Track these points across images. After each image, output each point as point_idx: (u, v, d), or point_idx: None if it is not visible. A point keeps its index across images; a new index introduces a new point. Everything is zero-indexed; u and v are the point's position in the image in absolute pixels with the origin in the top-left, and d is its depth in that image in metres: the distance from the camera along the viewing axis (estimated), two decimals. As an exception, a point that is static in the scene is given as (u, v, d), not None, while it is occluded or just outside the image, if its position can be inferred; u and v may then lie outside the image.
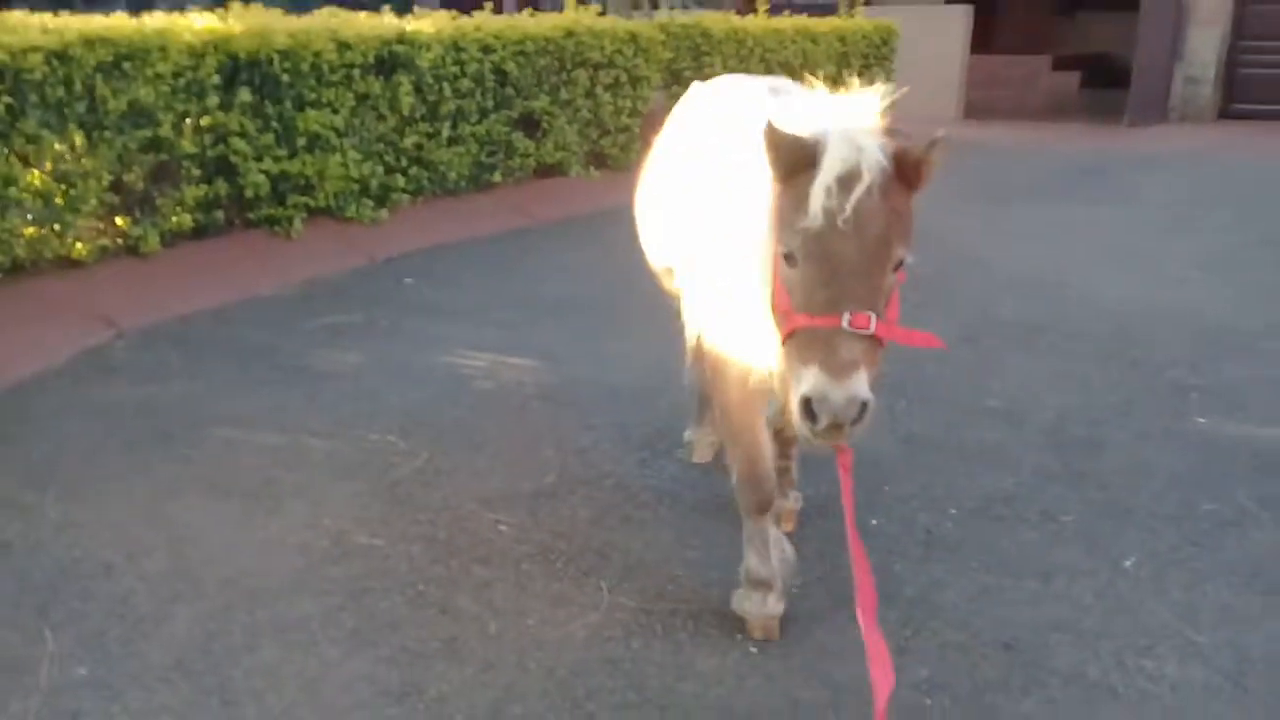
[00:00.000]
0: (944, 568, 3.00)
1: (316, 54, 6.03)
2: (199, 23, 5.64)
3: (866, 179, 1.88)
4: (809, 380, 1.90)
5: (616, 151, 8.72)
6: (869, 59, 11.64)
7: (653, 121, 9.04)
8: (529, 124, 7.88)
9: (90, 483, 3.48)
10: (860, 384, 1.88)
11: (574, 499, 3.40)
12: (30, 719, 2.34)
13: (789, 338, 2.00)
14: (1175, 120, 12.49)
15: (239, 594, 2.83)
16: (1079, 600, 2.85)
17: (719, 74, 9.41)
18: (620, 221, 7.60)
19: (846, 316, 1.88)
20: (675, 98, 9.29)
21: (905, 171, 1.95)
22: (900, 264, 1.98)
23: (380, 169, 6.70)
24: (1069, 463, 3.69)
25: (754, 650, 2.63)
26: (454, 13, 7.46)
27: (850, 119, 1.99)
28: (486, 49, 7.28)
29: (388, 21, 6.70)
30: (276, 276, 5.78)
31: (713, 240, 2.50)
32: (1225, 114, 12.53)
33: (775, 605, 2.68)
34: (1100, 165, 10.29)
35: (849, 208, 1.88)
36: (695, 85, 3.30)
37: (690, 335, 2.94)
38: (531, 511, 3.31)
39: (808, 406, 1.90)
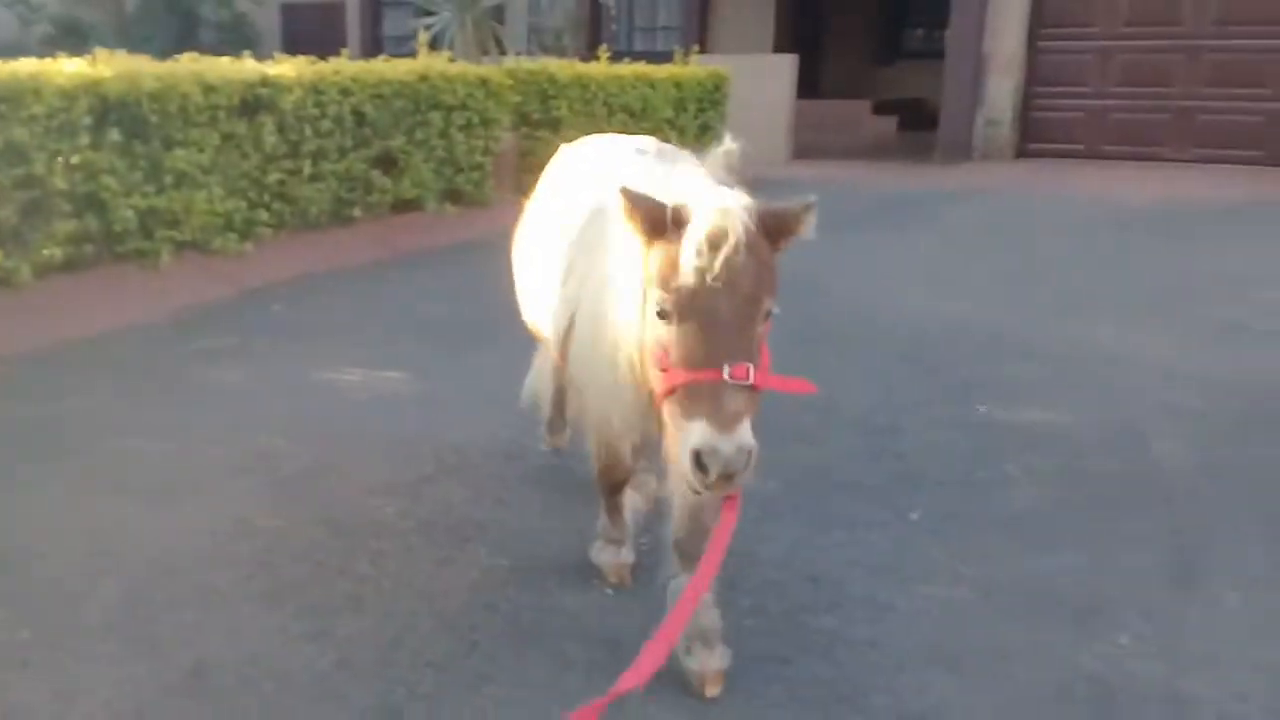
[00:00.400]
0: (770, 526, 3.58)
1: (184, 96, 6.34)
2: (70, 67, 5.90)
3: (734, 238, 1.97)
4: (697, 434, 1.95)
5: (471, 188, 9.21)
6: (703, 104, 12.46)
7: (504, 160, 9.63)
8: (387, 162, 8.30)
9: (3, 490, 3.76)
10: (746, 434, 1.96)
11: (451, 485, 3.87)
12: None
13: (670, 394, 2.05)
14: (979, 159, 13.73)
15: (157, 569, 3.20)
16: (874, 545, 3.48)
17: (565, 116, 10.10)
18: (475, 252, 8.21)
19: (727, 369, 1.96)
20: (525, 138, 9.93)
21: (769, 229, 2.08)
22: (768, 315, 2.08)
23: (244, 204, 7.02)
24: (872, 443, 4.37)
25: (610, 593, 3.15)
26: (312, 58, 7.84)
27: (712, 180, 2.15)
28: (345, 92, 7.69)
29: (250, 66, 7.06)
30: (147, 306, 6.06)
31: (585, 300, 2.60)
32: (1022, 153, 13.84)
33: (627, 555, 3.14)
34: (913, 199, 11.30)
35: (719, 265, 1.96)
36: (563, 148, 3.48)
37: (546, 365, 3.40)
38: (414, 496, 3.77)
39: (698, 460, 1.95)
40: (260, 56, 7.48)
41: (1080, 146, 13.45)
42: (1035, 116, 13.80)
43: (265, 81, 6.97)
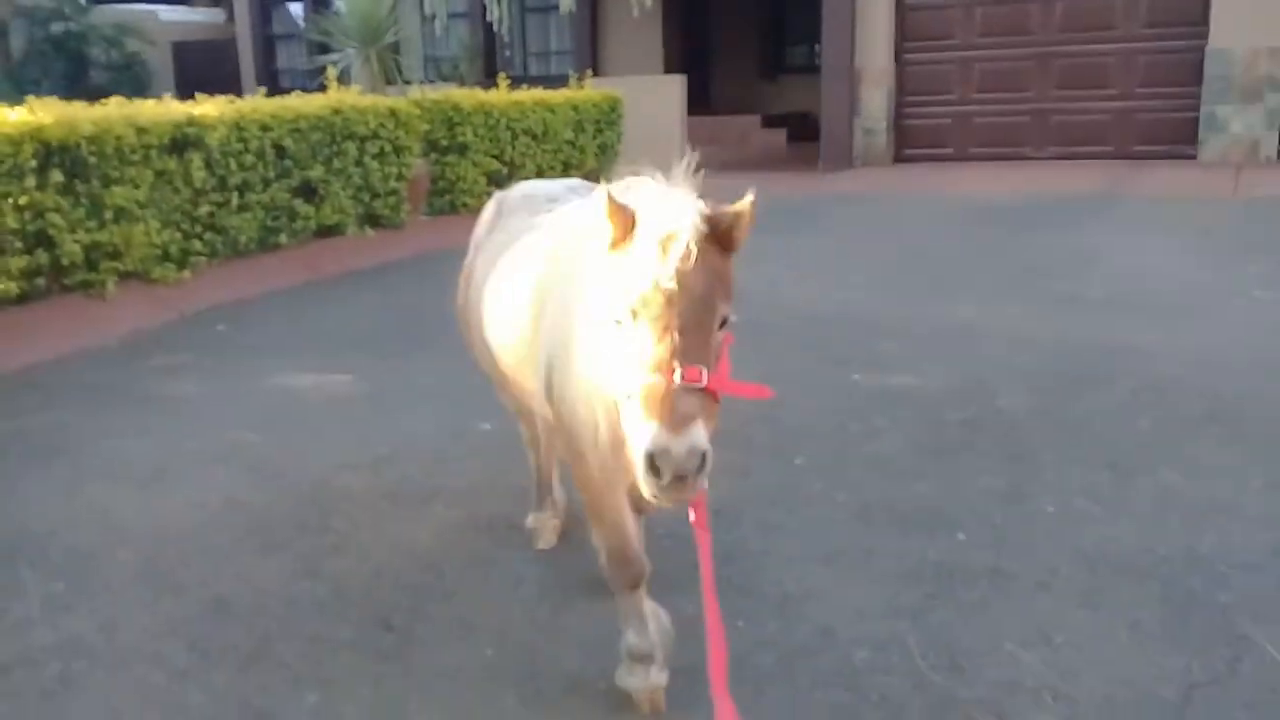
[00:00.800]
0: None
1: (118, 138, 6.83)
2: (13, 116, 6.36)
3: (684, 241, 1.99)
4: (649, 436, 1.94)
5: (387, 212, 9.78)
6: (600, 124, 13.19)
7: (416, 185, 10.20)
8: (307, 191, 8.83)
9: (8, 485, 4.27)
10: (699, 436, 1.93)
11: (406, 462, 4.49)
12: (35, 613, 3.23)
13: (627, 399, 2.05)
14: (859, 165, 14.71)
15: (163, 537, 3.77)
16: (766, 484, 4.19)
17: (471, 141, 10.70)
18: (396, 272, 8.83)
19: (679, 372, 1.95)
20: (434, 164, 10.51)
21: (720, 234, 2.07)
22: (725, 322, 2.08)
23: (179, 235, 7.51)
24: (761, 410, 5.07)
25: (541, 550, 3.76)
26: (232, 97, 8.36)
27: (665, 188, 2.15)
28: (265, 127, 8.22)
29: (177, 107, 7.56)
30: (99, 332, 6.53)
31: (548, 330, 2.59)
32: (898, 158, 14.87)
33: (658, 676, 2.73)
34: (802, 204, 12.17)
35: (671, 269, 1.98)
36: (496, 194, 3.54)
37: (527, 425, 3.43)
38: (375, 472, 4.38)
39: (651, 462, 1.94)
40: (152, 96, 7.95)
41: (950, 150, 14.55)
42: (908, 124, 14.86)
43: (192, 121, 7.48)
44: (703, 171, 2.17)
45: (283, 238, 8.59)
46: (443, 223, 10.61)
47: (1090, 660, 2.86)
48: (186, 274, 7.53)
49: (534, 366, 2.70)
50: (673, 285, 1.98)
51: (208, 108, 7.75)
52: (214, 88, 8.85)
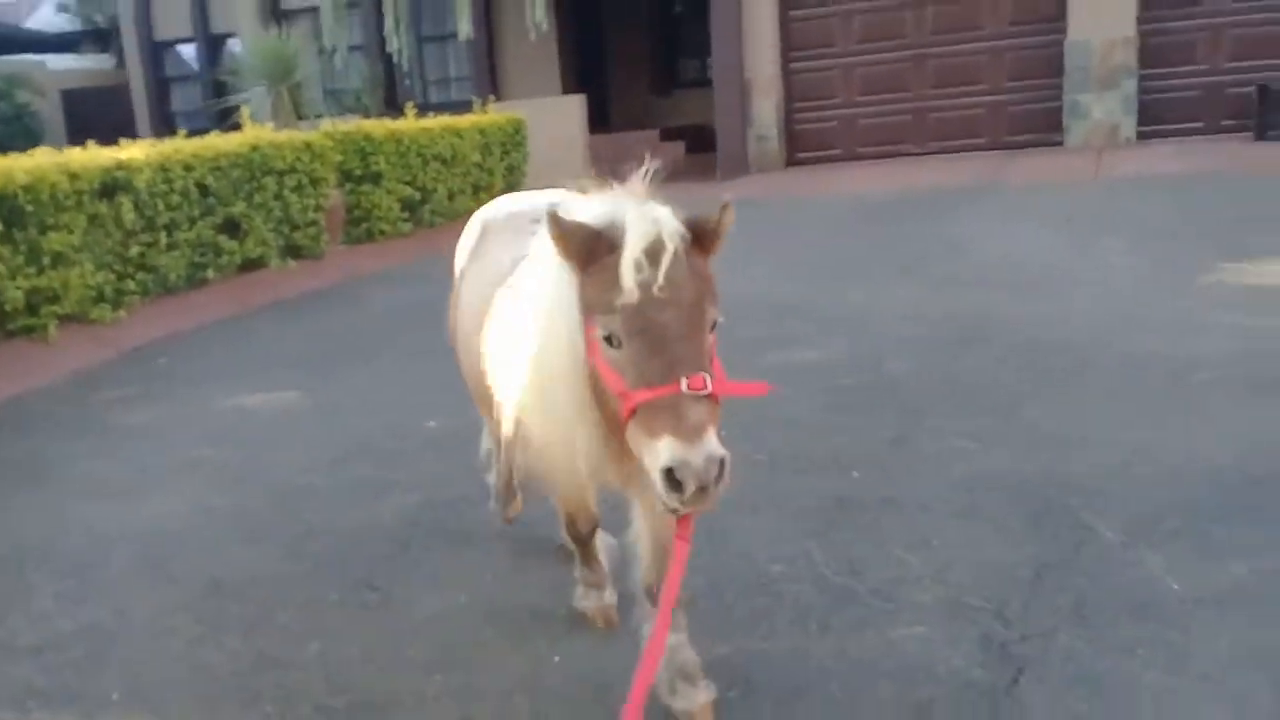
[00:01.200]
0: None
1: (53, 185, 7.14)
2: (-52, 168, 6.66)
3: (671, 247, 1.98)
4: (666, 451, 1.90)
5: (308, 243, 10.16)
6: (506, 147, 13.69)
7: (333, 215, 10.58)
8: (231, 227, 9.18)
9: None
10: (714, 443, 1.92)
11: (361, 462, 4.93)
12: (51, 606, 3.62)
13: (631, 416, 1.99)
14: (755, 171, 15.44)
15: (152, 538, 4.18)
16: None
17: (384, 170, 11.12)
18: (320, 298, 9.24)
19: (684, 381, 1.92)
20: (350, 193, 10.90)
21: (700, 238, 2.09)
22: (714, 325, 2.09)
23: (113, 276, 7.83)
24: (681, 390, 5.66)
25: (493, 507, 4.28)
26: (153, 140, 8.69)
27: (638, 199, 2.12)
28: (188, 167, 8.57)
29: (105, 152, 7.88)
30: (46, 372, 6.83)
31: (525, 350, 2.49)
32: (791, 162, 15.65)
33: (610, 597, 3.12)
34: (703, 210, 12.82)
35: (661, 277, 1.96)
36: (479, 214, 3.53)
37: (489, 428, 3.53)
38: (333, 473, 4.82)
39: (670, 476, 1.90)
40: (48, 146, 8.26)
41: (838, 151, 15.38)
42: (797, 129, 15.66)
43: (120, 165, 7.81)
44: (659, 179, 2.21)
45: (210, 273, 8.93)
46: (361, 251, 11.02)
47: (962, 556, 3.46)
48: (122, 313, 7.85)
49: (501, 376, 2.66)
50: (666, 295, 1.96)
51: (134, 151, 8.08)
52: (107, 134, 9.13)
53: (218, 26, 22.75)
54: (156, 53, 24.10)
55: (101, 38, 26.79)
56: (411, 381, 6.17)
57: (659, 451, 1.92)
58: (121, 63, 24.31)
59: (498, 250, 3.02)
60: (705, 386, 1.94)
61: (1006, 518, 3.74)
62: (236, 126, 10.21)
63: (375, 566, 3.79)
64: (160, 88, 24.27)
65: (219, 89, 23.57)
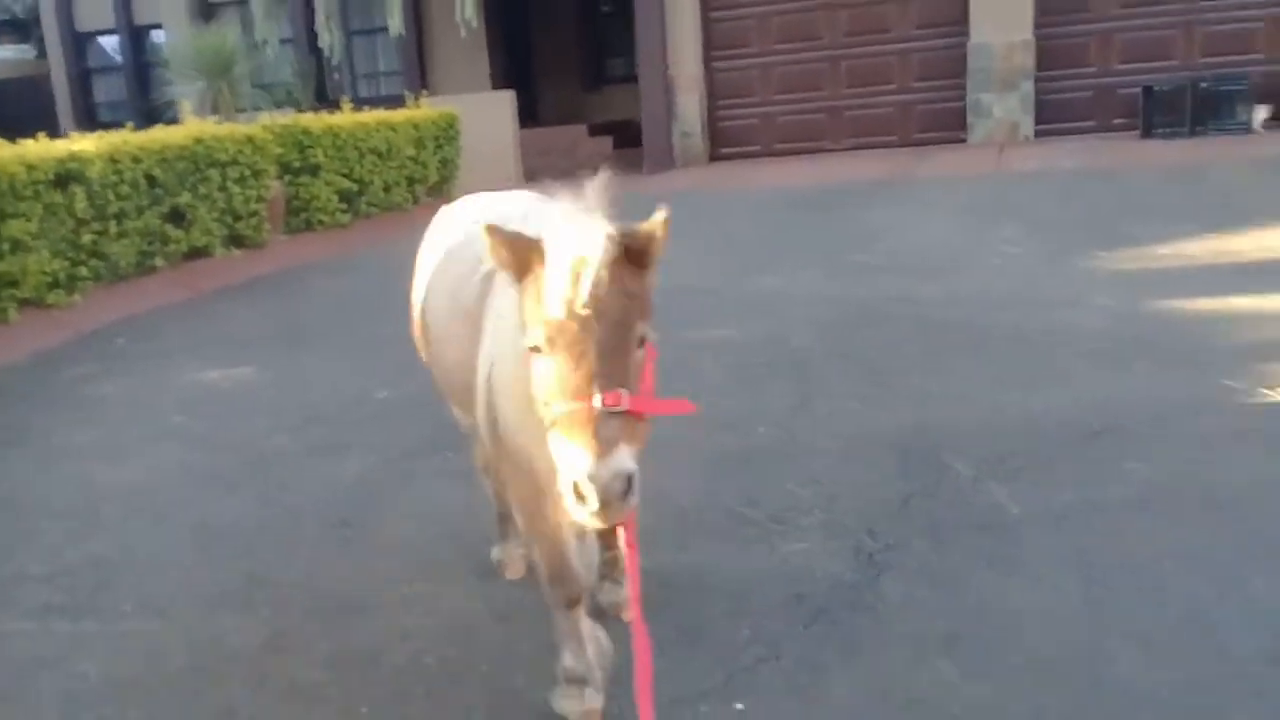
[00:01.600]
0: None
1: (11, 175, 7.52)
2: (-88, 159, 7.01)
3: (596, 265, 1.98)
4: (573, 463, 1.95)
5: (250, 232, 10.59)
6: (440, 141, 14.17)
7: (274, 205, 10.99)
8: (177, 216, 9.58)
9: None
10: (623, 459, 1.95)
11: (318, 428, 5.47)
12: (60, 540, 4.12)
13: (552, 427, 2.03)
14: (680, 166, 16.13)
15: (139, 491, 4.70)
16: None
17: (322, 162, 11.55)
18: (263, 284, 9.68)
19: (599, 397, 1.95)
20: (289, 184, 11.31)
21: (634, 253, 2.06)
22: (644, 340, 2.09)
23: (67, 263, 8.21)
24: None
25: (450, 455, 4.84)
26: (100, 132, 9.05)
27: (574, 211, 2.10)
28: (136, 159, 8.96)
29: (59, 145, 8.25)
30: (9, 352, 7.23)
31: (485, 350, 2.57)
32: (714, 157, 16.37)
33: (594, 699, 2.71)
34: (629, 202, 13.43)
35: (583, 295, 1.97)
36: (442, 209, 3.45)
37: (481, 451, 3.29)
38: (296, 436, 5.35)
39: (577, 489, 1.96)
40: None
41: (758, 147, 16.13)
42: (720, 125, 16.37)
43: (73, 156, 8.18)
44: (613, 187, 2.21)
45: (158, 261, 9.32)
46: (301, 240, 11.46)
47: (843, 491, 4.14)
48: (77, 298, 8.24)
49: (475, 391, 2.66)
50: (587, 312, 1.98)
51: (86, 144, 8.46)
52: (28, 125, 9.45)
53: (142, 18, 22.77)
54: (78, 44, 24.03)
55: (21, 28, 26.57)
56: (359, 359, 6.71)
57: (568, 464, 1.98)
58: (43, 54, 24.17)
59: (464, 253, 2.87)
60: (620, 403, 1.97)
61: (882, 461, 4.42)
62: (167, 120, 10.57)
63: (347, 509, 4.35)
64: (82, 79, 24.21)
65: (144, 81, 23.67)
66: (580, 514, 1.99)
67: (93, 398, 6.25)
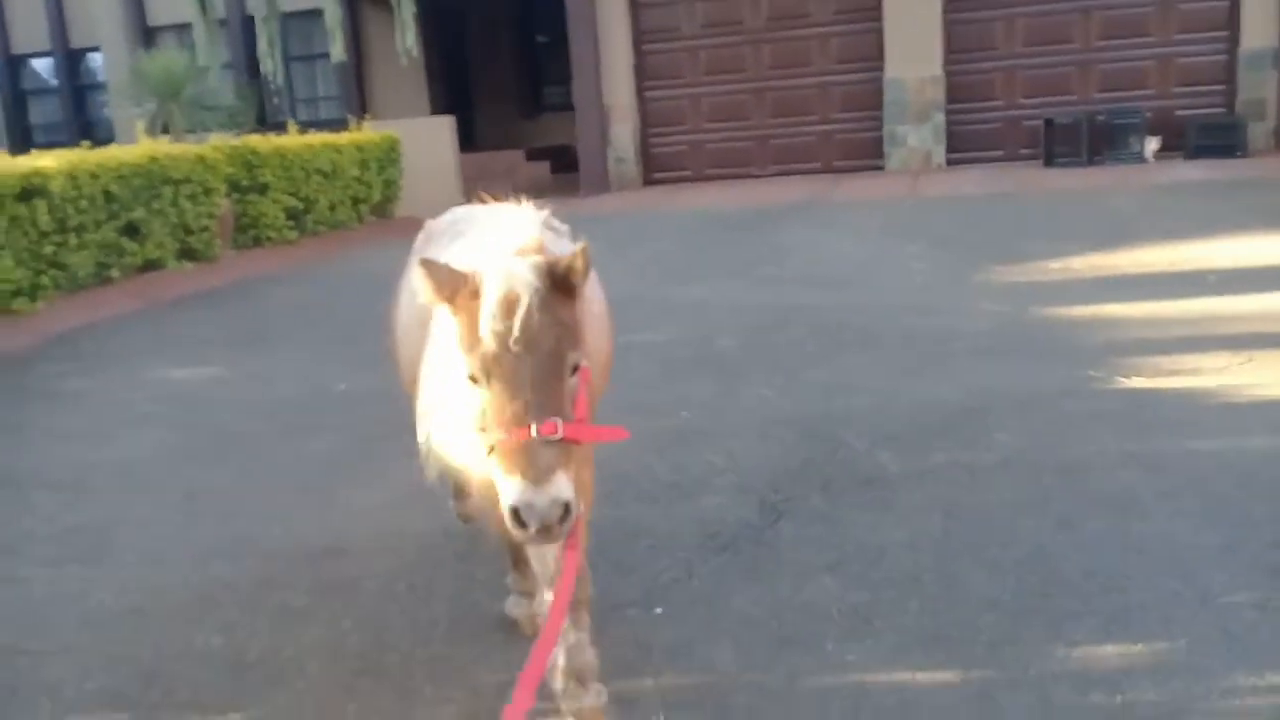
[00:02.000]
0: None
1: (-21, 188, 7.97)
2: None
3: (525, 301, 2.05)
4: (512, 490, 2.03)
5: (201, 247, 11.06)
6: (383, 163, 14.72)
7: (224, 221, 11.46)
8: (132, 230, 10.02)
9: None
10: (559, 486, 2.03)
11: (290, 412, 6.02)
12: (56, 510, 4.63)
13: (491, 453, 2.11)
14: (615, 190, 16.84)
15: (128, 465, 5.21)
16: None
17: (270, 181, 12.07)
18: (214, 296, 10.19)
19: (534, 426, 2.01)
20: (238, 202, 11.79)
21: (558, 282, 2.13)
22: (577, 368, 2.15)
23: (30, 273, 8.64)
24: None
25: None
26: (57, 150, 9.50)
27: (506, 245, 2.21)
28: (94, 175, 9.41)
29: (22, 160, 8.69)
30: (-23, 355, 7.65)
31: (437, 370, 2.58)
32: (648, 181, 17.13)
33: (540, 605, 2.79)
34: (566, 223, 14.10)
35: (516, 329, 2.04)
36: (428, 222, 3.54)
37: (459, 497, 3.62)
38: (268, 420, 5.89)
39: (516, 515, 2.04)
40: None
41: (689, 172, 16.93)
42: (653, 152, 17.15)
43: (37, 172, 8.63)
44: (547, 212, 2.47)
45: (114, 272, 9.76)
46: (250, 255, 11.94)
47: (753, 460, 4.81)
48: (40, 305, 8.66)
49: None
50: (521, 345, 2.05)
51: (48, 160, 8.91)
52: None
53: (78, 41, 23.01)
54: (13, 66, 24.18)
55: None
56: (317, 358, 7.26)
57: (507, 490, 2.06)
58: (-25, 74, 24.24)
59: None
60: (556, 432, 2.04)
61: (787, 437, 5.10)
62: (104, 141, 11.03)
63: (320, 475, 4.93)
64: (17, 101, 24.32)
65: (80, 103, 23.84)
66: (519, 537, 2.11)
67: (69, 393, 6.72)
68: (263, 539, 4.26)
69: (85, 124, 23.48)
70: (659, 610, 3.47)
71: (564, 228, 3.08)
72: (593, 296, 2.81)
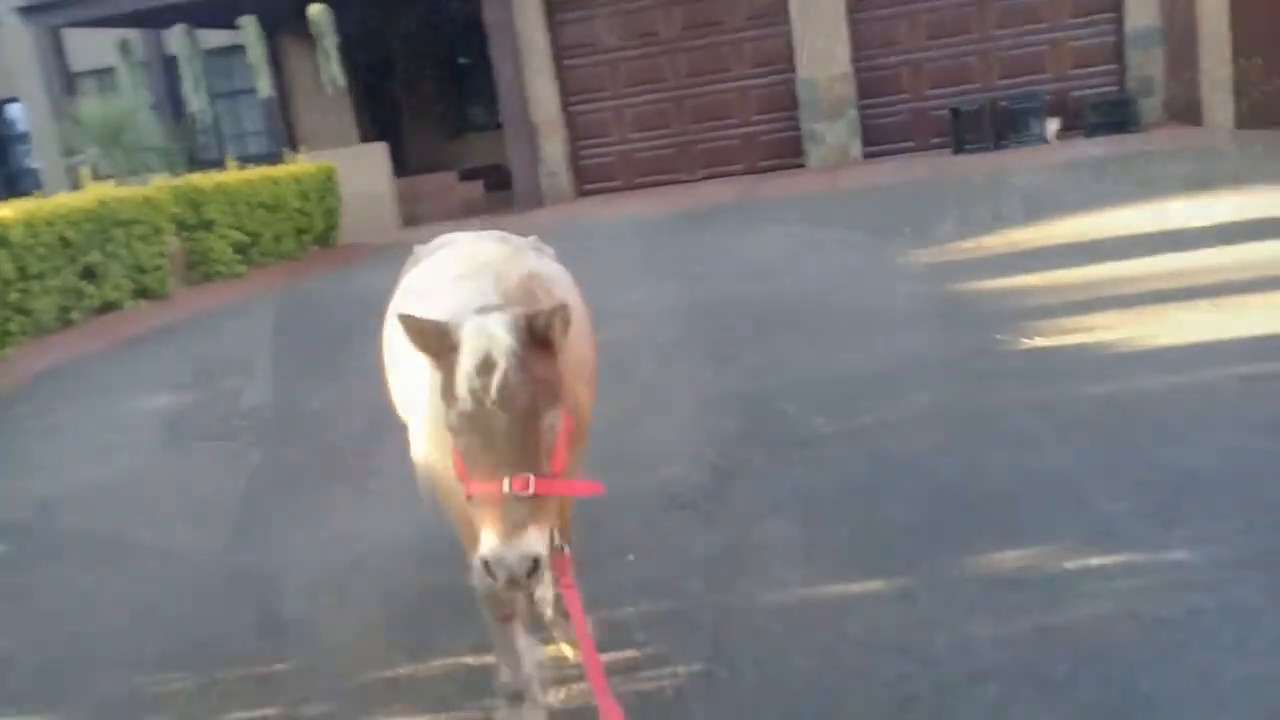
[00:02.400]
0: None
1: (-56, 242, 8.31)
2: None
3: (502, 363, 2.08)
4: (485, 543, 2.07)
5: (155, 285, 11.43)
6: (321, 192, 15.12)
7: (175, 259, 11.82)
8: (89, 273, 10.37)
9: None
10: (530, 542, 2.07)
11: (261, 427, 6.48)
12: (83, 516, 5.08)
13: (469, 499, 2.16)
14: (549, 204, 17.37)
15: (129, 472, 5.64)
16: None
17: (216, 217, 12.43)
18: (173, 331, 10.62)
19: (507, 482, 2.05)
20: (186, 240, 12.16)
21: (538, 341, 2.15)
22: (553, 424, 2.16)
23: (-2, 321, 9.01)
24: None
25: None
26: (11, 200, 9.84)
27: (484, 302, 2.22)
28: (50, 223, 9.76)
29: (-19, 212, 9.05)
30: (-44, 400, 7.99)
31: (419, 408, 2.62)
32: (580, 193, 17.68)
33: (534, 714, 2.81)
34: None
35: (492, 390, 2.07)
36: (417, 248, 3.46)
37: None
38: (247, 431, 6.36)
39: (486, 567, 2.08)
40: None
41: (619, 181, 17.53)
42: (583, 164, 17.72)
43: (-1, 222, 9.00)
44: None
45: (75, 315, 10.10)
46: (202, 290, 12.31)
47: (700, 430, 5.40)
48: (9, 350, 9.00)
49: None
50: (497, 404, 2.07)
51: (6, 211, 9.25)
52: None
53: (-3, 92, 22.99)
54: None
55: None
56: (288, 381, 7.70)
57: (480, 541, 2.10)
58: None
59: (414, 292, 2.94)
60: (528, 488, 2.07)
61: (729, 408, 5.71)
62: (27, 190, 11.35)
63: (307, 477, 5.40)
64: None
65: (3, 153, 23.83)
66: (489, 588, 2.17)
67: (52, 427, 7.13)
68: (273, 522, 4.76)
69: (7, 176, 23.53)
70: (630, 557, 4.05)
71: (549, 249, 3.34)
72: (573, 304, 2.68)
